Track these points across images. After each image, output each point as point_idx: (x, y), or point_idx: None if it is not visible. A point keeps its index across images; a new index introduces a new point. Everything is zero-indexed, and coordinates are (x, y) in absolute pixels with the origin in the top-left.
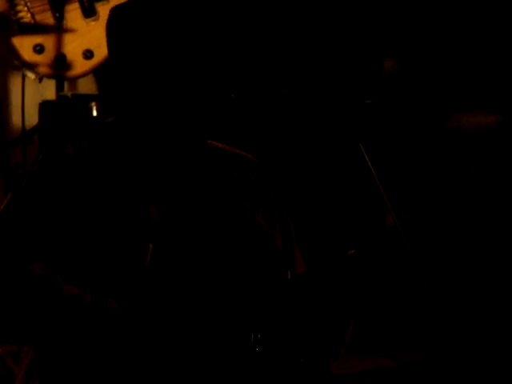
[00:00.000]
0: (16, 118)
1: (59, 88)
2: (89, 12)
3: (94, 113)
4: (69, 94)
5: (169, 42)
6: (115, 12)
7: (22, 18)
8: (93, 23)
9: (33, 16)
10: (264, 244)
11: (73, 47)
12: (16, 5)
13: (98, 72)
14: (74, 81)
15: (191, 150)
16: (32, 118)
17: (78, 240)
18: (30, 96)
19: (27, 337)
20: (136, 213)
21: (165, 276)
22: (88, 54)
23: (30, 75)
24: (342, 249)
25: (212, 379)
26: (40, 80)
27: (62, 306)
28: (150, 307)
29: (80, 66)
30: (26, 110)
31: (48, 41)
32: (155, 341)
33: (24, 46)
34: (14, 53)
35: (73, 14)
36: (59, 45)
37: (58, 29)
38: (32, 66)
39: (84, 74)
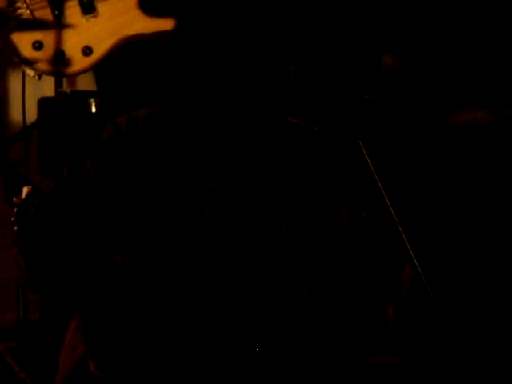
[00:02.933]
0: (14, 115)
1: (58, 84)
2: (88, 9)
3: (93, 109)
4: (68, 91)
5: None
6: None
7: (20, 14)
8: (92, 20)
9: (32, 12)
10: (317, 214)
11: (72, 44)
12: (15, 1)
13: (97, 69)
14: (73, 77)
15: (258, 121)
16: (30, 115)
17: (135, 206)
18: (29, 92)
19: (71, 296)
20: (194, 177)
21: (216, 242)
22: (87, 51)
23: (29, 72)
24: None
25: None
26: (39, 77)
27: (103, 270)
28: (199, 270)
29: (79, 62)
30: (25, 107)
31: (47, 37)
32: (196, 305)
33: (23, 42)
34: (12, 49)
35: (72, 11)
36: (58, 41)
37: (57, 25)
38: (31, 63)
39: (83, 71)
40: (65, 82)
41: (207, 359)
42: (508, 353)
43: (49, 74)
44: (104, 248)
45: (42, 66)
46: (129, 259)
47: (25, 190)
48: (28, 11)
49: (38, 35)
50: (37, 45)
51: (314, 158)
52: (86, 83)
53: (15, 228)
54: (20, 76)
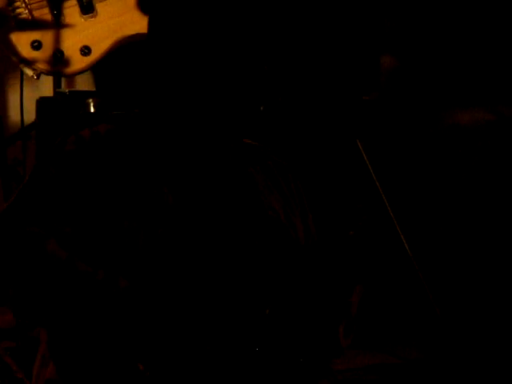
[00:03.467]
0: (12, 115)
1: (56, 84)
2: (86, 9)
3: (92, 109)
4: (66, 91)
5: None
6: (159, 4)
7: (19, 14)
8: (91, 20)
9: (30, 12)
10: (277, 233)
11: (70, 44)
12: (14, 1)
13: (95, 69)
14: (71, 77)
15: (212, 141)
16: (29, 115)
17: (92, 217)
18: (27, 93)
19: (41, 314)
20: (150, 194)
21: (175, 258)
22: (86, 51)
23: (28, 72)
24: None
25: (222, 359)
26: (38, 77)
27: (74, 282)
28: (159, 288)
29: (78, 62)
30: (23, 107)
31: (46, 37)
32: (163, 319)
33: (22, 42)
34: (11, 49)
35: (70, 11)
36: (57, 41)
37: (56, 25)
38: (29, 63)
39: (82, 71)
40: (63, 82)
41: None
42: (507, 353)
43: (47, 73)
44: (72, 256)
45: (41, 66)
46: (100, 271)
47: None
48: (27, 11)
49: (36, 35)
50: (35, 44)
51: (267, 176)
52: (84, 83)
53: None
54: (18, 76)
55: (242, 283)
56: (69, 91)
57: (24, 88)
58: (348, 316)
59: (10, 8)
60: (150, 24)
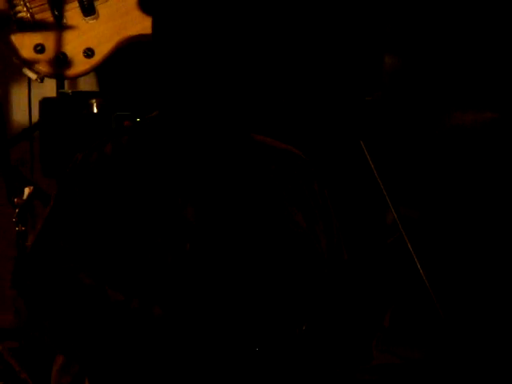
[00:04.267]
0: (15, 116)
1: (60, 85)
2: (88, 11)
3: (95, 110)
4: (69, 91)
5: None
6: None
7: (21, 17)
8: (92, 22)
9: (32, 15)
10: (300, 245)
11: (73, 46)
12: (15, 5)
13: (98, 70)
14: (74, 79)
15: (233, 148)
16: (32, 115)
17: (119, 240)
18: (31, 93)
19: (76, 347)
20: (173, 211)
21: (201, 275)
22: (89, 53)
23: (31, 75)
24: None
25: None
26: (41, 80)
27: (108, 313)
28: (188, 309)
29: (81, 64)
30: (26, 108)
31: (48, 40)
32: (194, 345)
33: (24, 45)
34: (14, 52)
35: (72, 13)
36: (59, 44)
37: (58, 28)
38: (33, 66)
39: (85, 73)
40: (66, 82)
41: None
42: (508, 353)
43: (51, 76)
44: (101, 283)
45: (44, 69)
46: (134, 300)
47: (26, 190)
48: (28, 14)
49: (39, 38)
50: (38, 48)
51: (289, 182)
52: (87, 84)
53: (16, 229)
54: (22, 77)
55: (278, 300)
56: (72, 92)
57: (27, 89)
58: (381, 329)
59: (12, 11)
60: (155, 26)
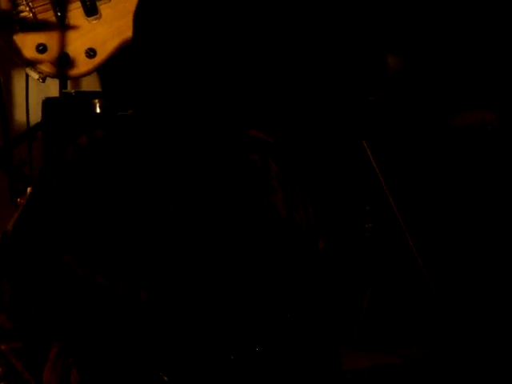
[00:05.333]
0: (18, 116)
1: (62, 85)
2: (91, 11)
3: (98, 110)
4: (72, 91)
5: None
6: (143, 3)
7: (24, 17)
8: (95, 22)
9: (35, 15)
10: (281, 234)
11: (75, 46)
12: (18, 4)
13: (101, 70)
14: (77, 79)
15: (207, 139)
16: (35, 115)
17: (94, 227)
18: (33, 93)
19: (64, 330)
20: (148, 200)
21: (186, 266)
22: (91, 53)
23: (34, 75)
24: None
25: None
26: (44, 80)
27: (94, 297)
28: (178, 298)
29: (83, 64)
30: (29, 107)
31: (51, 40)
32: (184, 329)
33: (27, 45)
34: (17, 52)
35: (75, 13)
36: (62, 44)
37: (61, 28)
38: (35, 66)
39: (88, 73)
40: (69, 82)
41: None
42: (509, 353)
43: (53, 76)
44: (84, 268)
45: (47, 69)
46: (120, 284)
47: (29, 190)
48: (31, 14)
49: (41, 38)
50: (41, 48)
51: (267, 171)
52: (90, 84)
53: None
54: (24, 77)
55: (260, 289)
56: (75, 92)
57: (30, 89)
58: (359, 311)
59: (15, 12)
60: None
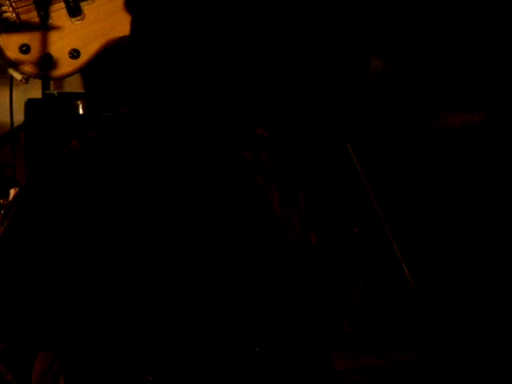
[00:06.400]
0: (0, 117)
1: (45, 86)
2: (74, 11)
3: (81, 111)
4: (55, 92)
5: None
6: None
7: (7, 17)
8: (78, 23)
9: (18, 16)
10: (276, 232)
11: (59, 47)
12: (1, 5)
13: (84, 70)
14: (60, 80)
15: (201, 140)
16: (18, 117)
17: (83, 233)
18: (16, 94)
19: (49, 338)
20: (139, 204)
21: (178, 263)
22: (74, 54)
23: (16, 76)
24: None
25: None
26: (26, 81)
27: (83, 304)
28: (167, 297)
29: (66, 65)
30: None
31: (34, 41)
32: (171, 328)
33: (9, 45)
34: None
35: (58, 14)
36: (45, 45)
37: (44, 28)
38: (18, 66)
39: (71, 74)
40: (52, 83)
41: None
42: (499, 353)
43: (36, 77)
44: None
45: (29, 70)
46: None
47: (12, 192)
48: (14, 14)
49: (24, 38)
50: (24, 48)
51: (260, 166)
52: (73, 85)
53: (1, 227)
54: (6, 78)
55: (249, 287)
56: (57, 93)
57: (13, 90)
58: (351, 305)
59: None
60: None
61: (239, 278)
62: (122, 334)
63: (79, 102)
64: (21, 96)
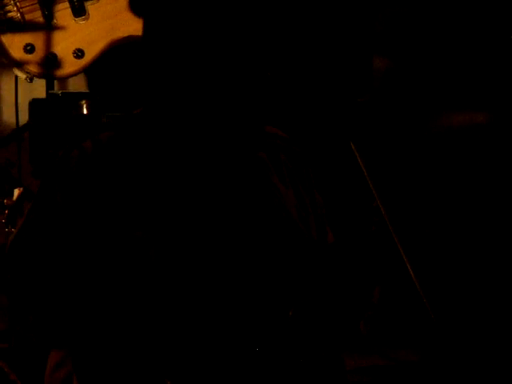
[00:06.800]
0: (5, 117)
1: (49, 86)
2: (78, 11)
3: (85, 111)
4: (59, 92)
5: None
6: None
7: (11, 17)
8: (83, 22)
9: (22, 15)
10: (291, 234)
11: (63, 47)
12: (5, 4)
13: (88, 70)
14: (64, 80)
15: (219, 141)
16: (22, 116)
17: (99, 237)
18: (20, 94)
19: (62, 338)
20: (156, 207)
21: (192, 264)
22: (79, 54)
23: (21, 75)
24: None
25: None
26: (31, 80)
27: (94, 305)
28: (182, 301)
29: (71, 65)
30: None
31: (38, 40)
32: (188, 332)
33: (14, 45)
34: (3, 52)
35: (63, 14)
36: (49, 44)
37: (48, 28)
38: (22, 66)
39: (75, 73)
40: (56, 83)
41: None
42: (503, 354)
43: (40, 76)
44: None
45: (34, 69)
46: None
47: (16, 191)
48: (18, 14)
49: (29, 38)
50: (28, 48)
51: (278, 168)
52: (77, 85)
53: (6, 230)
54: (11, 77)
55: (263, 287)
56: (61, 93)
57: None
58: (370, 307)
59: (2, 12)
60: (146, 25)
61: (253, 278)
62: (137, 334)
63: (83, 102)
64: (25, 96)
